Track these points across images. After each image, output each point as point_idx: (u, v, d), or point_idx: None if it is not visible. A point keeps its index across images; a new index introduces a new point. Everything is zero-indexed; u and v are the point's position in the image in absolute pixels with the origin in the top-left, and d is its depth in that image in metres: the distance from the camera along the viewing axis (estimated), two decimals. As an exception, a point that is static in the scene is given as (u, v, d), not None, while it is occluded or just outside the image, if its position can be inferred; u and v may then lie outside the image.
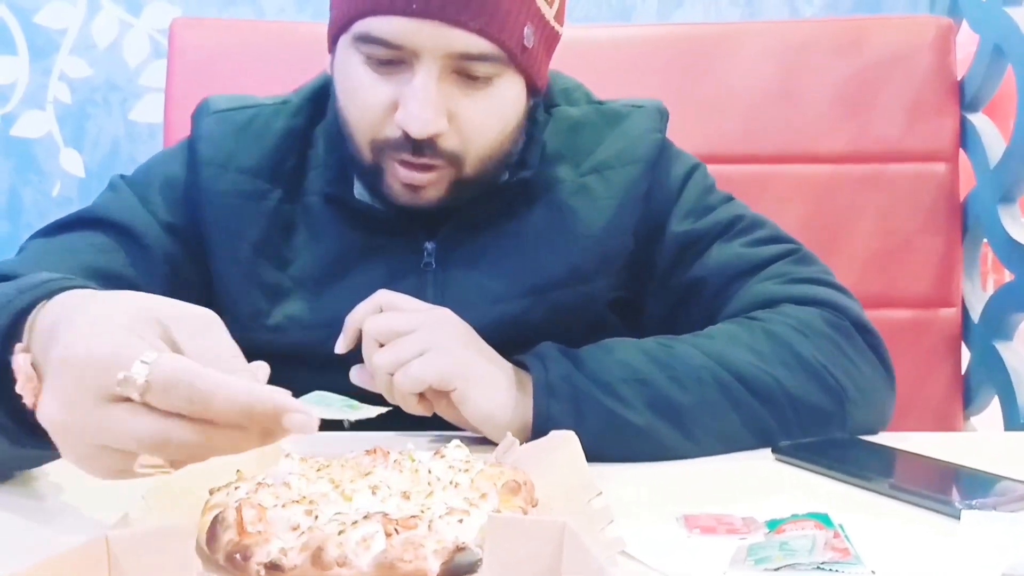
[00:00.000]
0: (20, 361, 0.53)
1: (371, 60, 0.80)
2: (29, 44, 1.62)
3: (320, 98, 0.92)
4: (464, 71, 0.79)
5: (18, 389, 0.53)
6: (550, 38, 0.85)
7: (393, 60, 0.79)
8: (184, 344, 0.51)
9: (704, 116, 1.27)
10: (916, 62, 1.28)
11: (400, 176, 0.81)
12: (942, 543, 0.56)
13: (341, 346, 0.77)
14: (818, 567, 0.50)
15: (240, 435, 0.49)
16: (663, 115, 0.94)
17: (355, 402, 0.59)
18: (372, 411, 0.59)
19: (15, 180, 1.62)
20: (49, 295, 0.57)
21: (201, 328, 0.52)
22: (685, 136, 0.98)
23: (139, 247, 0.86)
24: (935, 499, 0.62)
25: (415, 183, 0.82)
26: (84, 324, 0.50)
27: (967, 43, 1.30)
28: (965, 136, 1.28)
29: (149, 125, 1.61)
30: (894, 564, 0.51)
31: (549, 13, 0.83)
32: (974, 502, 0.59)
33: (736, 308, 0.87)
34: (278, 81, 1.01)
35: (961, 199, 1.28)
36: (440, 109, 0.78)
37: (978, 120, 1.27)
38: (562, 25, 0.86)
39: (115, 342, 0.49)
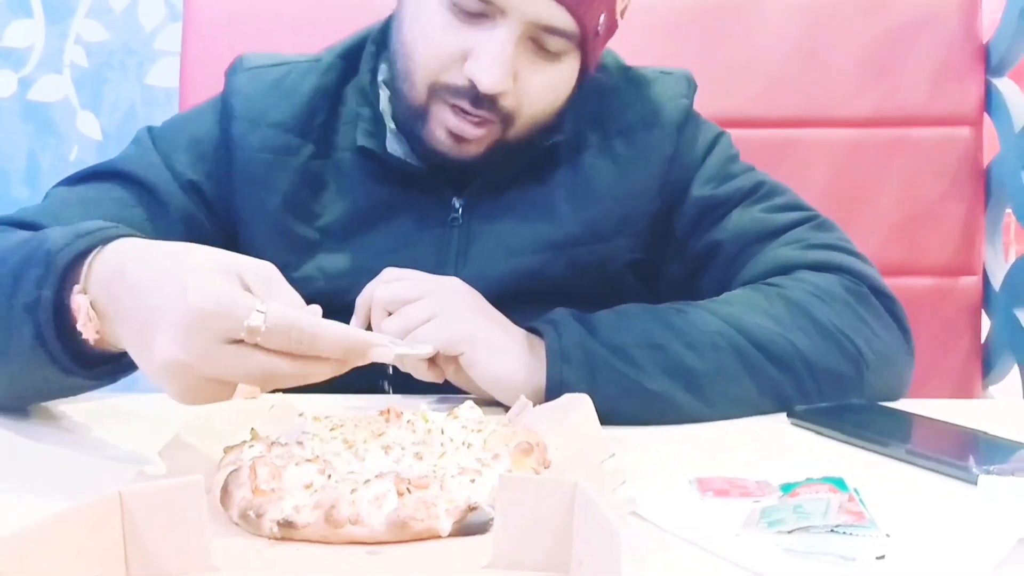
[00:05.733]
0: (81, 302, 0.60)
1: (455, 7, 0.80)
2: (45, 7, 1.62)
3: (352, 56, 0.93)
4: (538, 41, 0.81)
5: (79, 327, 0.60)
6: (611, 29, 0.87)
7: (479, 13, 0.79)
8: (259, 295, 0.56)
9: (725, 79, 1.25)
10: (942, 25, 1.26)
11: (450, 124, 0.82)
12: (959, 508, 0.56)
13: (354, 326, 0.76)
14: (832, 530, 0.50)
15: (327, 366, 0.57)
16: (691, 83, 0.96)
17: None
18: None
19: (34, 144, 1.63)
20: (105, 241, 0.62)
21: (268, 279, 0.58)
22: (706, 100, 0.97)
23: (157, 204, 0.87)
24: (952, 464, 0.61)
25: (464, 135, 0.82)
26: (190, 275, 0.55)
27: (994, 7, 1.27)
28: (990, 100, 1.26)
29: (165, 89, 1.61)
30: (909, 528, 0.51)
31: (620, 5, 0.86)
32: (992, 468, 0.59)
33: (753, 273, 0.87)
34: (294, 44, 1.01)
35: (984, 165, 1.26)
36: (511, 70, 0.80)
37: (1003, 85, 1.25)
38: (622, 19, 0.88)
39: (232, 294, 0.55)
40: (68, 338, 0.62)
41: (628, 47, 0.99)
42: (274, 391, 0.60)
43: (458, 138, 0.83)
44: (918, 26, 1.26)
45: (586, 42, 0.83)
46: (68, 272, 0.61)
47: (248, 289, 0.57)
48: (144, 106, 1.62)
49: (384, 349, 0.58)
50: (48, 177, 1.61)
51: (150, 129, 0.92)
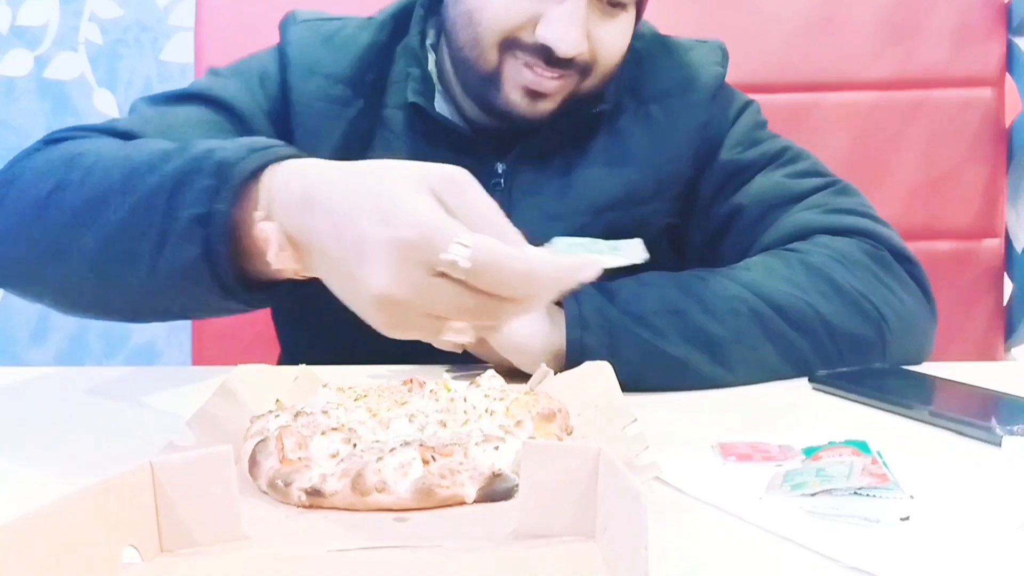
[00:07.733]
0: (270, 230, 0.55)
1: None
2: (59, -16, 1.61)
3: (402, 17, 0.95)
4: None
5: (270, 258, 0.55)
6: None
7: None
8: (456, 211, 0.52)
9: (743, 44, 1.23)
10: (962, -17, 1.24)
11: (526, 81, 0.83)
12: (982, 469, 0.56)
13: None
14: (855, 492, 0.50)
15: (529, 302, 0.53)
16: (724, 52, 0.97)
17: (607, 244, 0.59)
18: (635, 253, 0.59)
19: (51, 122, 1.63)
20: (278, 159, 0.58)
21: (460, 187, 0.53)
22: (725, 65, 0.96)
23: (248, 130, 0.88)
24: (976, 425, 0.61)
25: (542, 89, 0.84)
26: (386, 201, 0.51)
27: (1016, -37, 1.25)
28: (1012, 60, 1.24)
29: (180, 65, 1.61)
30: (933, 490, 0.51)
31: None
32: (1015, 428, 0.59)
33: (774, 238, 0.88)
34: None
35: (1006, 126, 1.25)
36: (585, 31, 0.81)
37: (1026, 44, 1.23)
38: None
39: (437, 222, 0.50)
40: (237, 258, 0.59)
41: (648, 11, 0.98)
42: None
43: (535, 95, 0.84)
44: (938, -15, 1.24)
45: None
46: (242, 188, 0.58)
47: (442, 202, 0.52)
48: (160, 82, 1.62)
49: (591, 268, 0.52)
50: (67, 155, 1.62)
51: (216, 70, 0.93)
